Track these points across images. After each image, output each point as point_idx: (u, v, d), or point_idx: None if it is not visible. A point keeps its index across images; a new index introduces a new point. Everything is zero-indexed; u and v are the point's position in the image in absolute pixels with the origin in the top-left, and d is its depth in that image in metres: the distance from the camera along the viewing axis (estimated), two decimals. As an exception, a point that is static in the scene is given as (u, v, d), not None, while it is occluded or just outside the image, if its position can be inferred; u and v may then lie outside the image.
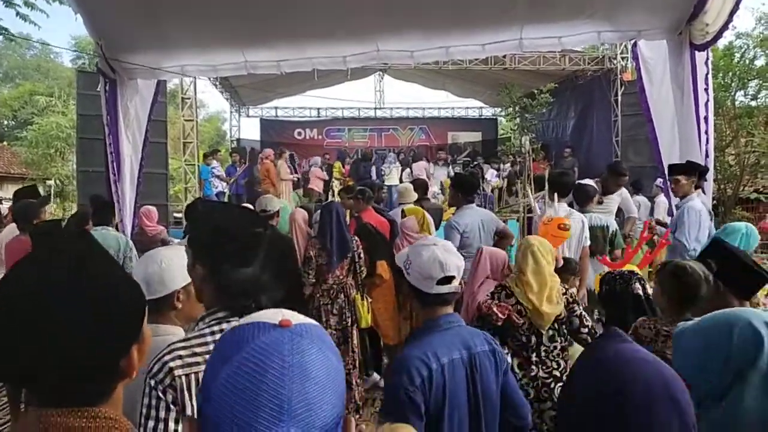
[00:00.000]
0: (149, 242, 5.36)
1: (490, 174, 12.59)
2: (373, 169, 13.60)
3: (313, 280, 4.19)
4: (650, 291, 2.54)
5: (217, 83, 13.06)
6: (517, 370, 2.62)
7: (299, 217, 4.62)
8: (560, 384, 2.60)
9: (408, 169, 13.01)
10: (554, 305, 2.62)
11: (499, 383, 1.78)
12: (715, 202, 5.04)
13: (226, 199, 11.15)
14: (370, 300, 4.38)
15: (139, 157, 5.75)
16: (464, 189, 4.54)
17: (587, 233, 4.16)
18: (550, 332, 2.67)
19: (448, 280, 1.72)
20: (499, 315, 2.59)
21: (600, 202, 4.80)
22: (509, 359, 2.41)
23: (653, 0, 4.57)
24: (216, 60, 5.60)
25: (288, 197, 11.38)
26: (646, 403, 0.97)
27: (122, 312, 0.89)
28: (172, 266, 1.71)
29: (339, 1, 4.69)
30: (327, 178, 13.10)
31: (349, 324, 4.24)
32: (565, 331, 2.70)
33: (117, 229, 4.78)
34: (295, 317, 0.77)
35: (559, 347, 2.70)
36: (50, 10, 5.67)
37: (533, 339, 2.67)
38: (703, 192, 4.98)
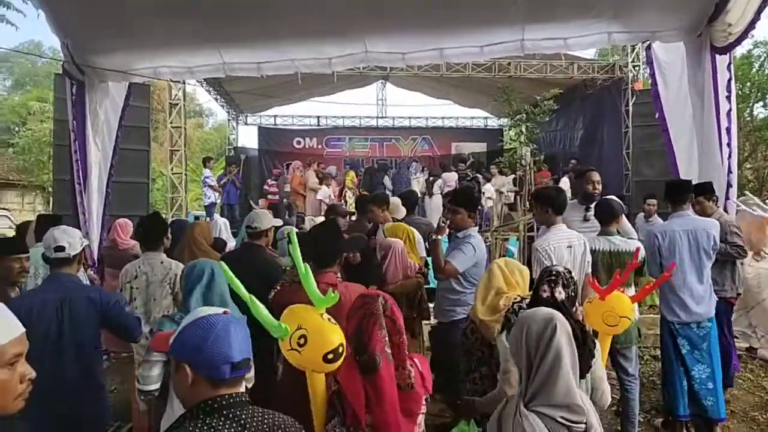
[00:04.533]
0: (120, 256, 4.97)
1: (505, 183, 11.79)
2: (386, 179, 12.91)
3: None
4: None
5: (211, 89, 12.59)
6: None
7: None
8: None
9: (439, 180, 12.13)
10: None
11: (98, 319, 2.73)
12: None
13: (217, 210, 10.72)
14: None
15: (108, 165, 5.33)
16: (472, 207, 3.81)
17: (589, 258, 3.55)
18: None
19: (60, 249, 2.74)
20: None
21: (586, 219, 4.07)
22: None
23: (669, -3, 4.10)
24: (191, 61, 5.18)
25: (314, 208, 11.01)
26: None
27: None
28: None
29: (323, -2, 4.27)
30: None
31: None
32: None
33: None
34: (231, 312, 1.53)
35: None
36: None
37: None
38: (725, 211, 4.48)
